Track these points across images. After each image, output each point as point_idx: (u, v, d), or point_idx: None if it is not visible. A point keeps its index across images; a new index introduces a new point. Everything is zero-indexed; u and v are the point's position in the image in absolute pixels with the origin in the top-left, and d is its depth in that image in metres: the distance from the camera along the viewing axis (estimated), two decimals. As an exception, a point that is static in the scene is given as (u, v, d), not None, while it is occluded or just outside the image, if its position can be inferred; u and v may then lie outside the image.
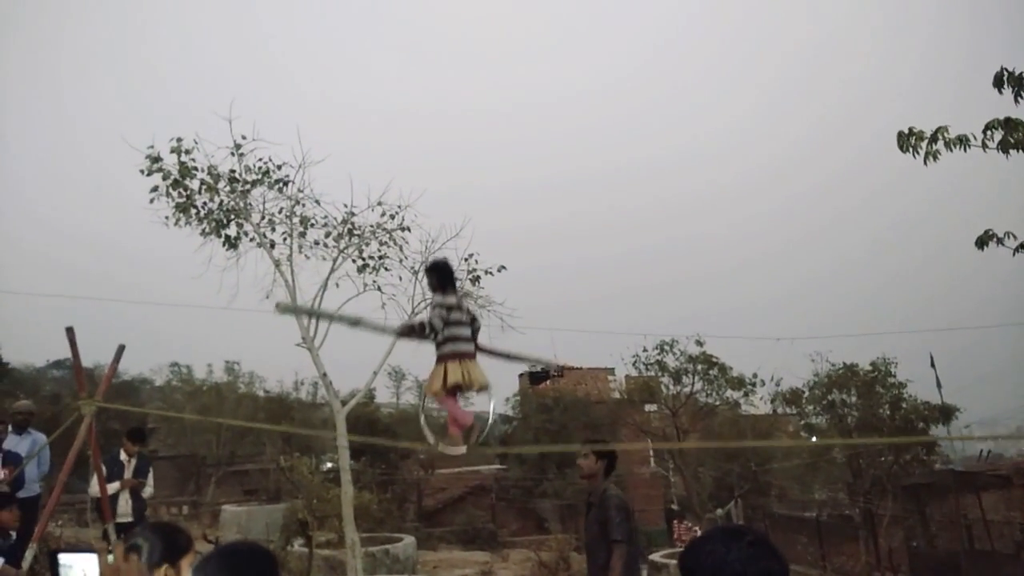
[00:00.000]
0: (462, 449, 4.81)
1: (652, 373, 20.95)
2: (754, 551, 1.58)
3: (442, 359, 4.52)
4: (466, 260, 9.22)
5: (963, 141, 5.33)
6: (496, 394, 5.63)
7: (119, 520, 7.34)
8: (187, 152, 8.37)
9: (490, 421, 5.42)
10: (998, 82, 5.20)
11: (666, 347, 20.30)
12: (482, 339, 4.96)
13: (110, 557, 1.40)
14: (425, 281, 4.90)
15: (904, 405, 18.16)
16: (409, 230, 9.32)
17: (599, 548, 4.68)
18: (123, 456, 7.89)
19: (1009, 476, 16.16)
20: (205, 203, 8.62)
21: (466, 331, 4.64)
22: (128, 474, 7.80)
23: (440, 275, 4.72)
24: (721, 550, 1.59)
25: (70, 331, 5.58)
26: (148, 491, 8.15)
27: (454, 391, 4.57)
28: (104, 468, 7.36)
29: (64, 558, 1.39)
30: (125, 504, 7.67)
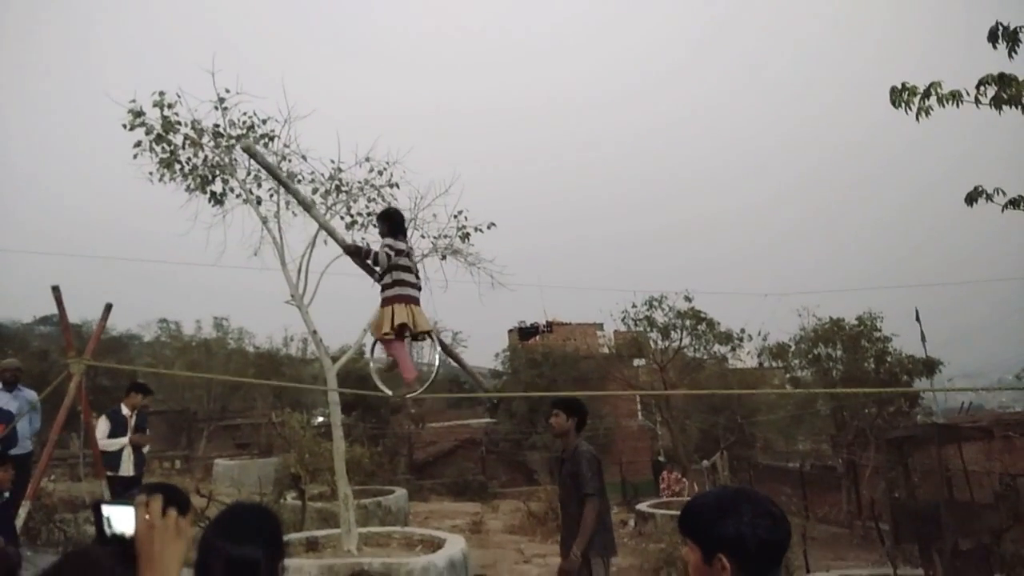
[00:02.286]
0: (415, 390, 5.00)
1: (640, 328, 21.05)
2: (760, 517, 1.57)
3: (388, 301, 4.68)
4: (455, 216, 9.16)
5: (955, 97, 5.27)
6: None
7: (122, 475, 7.44)
8: (170, 106, 8.20)
9: (437, 367, 5.55)
10: (992, 37, 5.14)
11: (655, 303, 20.38)
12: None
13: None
14: (377, 228, 5.12)
15: (889, 359, 18.39)
16: (398, 186, 9.23)
17: (571, 501, 4.82)
18: (125, 411, 7.90)
19: (990, 428, 16.46)
20: (189, 158, 8.49)
21: (412, 277, 4.83)
22: (131, 429, 7.84)
23: (391, 222, 4.97)
24: (732, 518, 1.57)
25: (56, 290, 5.54)
26: (147, 446, 8.22)
27: (402, 332, 4.66)
28: (108, 423, 7.51)
29: (106, 509, 1.42)
30: (128, 459, 7.73)
